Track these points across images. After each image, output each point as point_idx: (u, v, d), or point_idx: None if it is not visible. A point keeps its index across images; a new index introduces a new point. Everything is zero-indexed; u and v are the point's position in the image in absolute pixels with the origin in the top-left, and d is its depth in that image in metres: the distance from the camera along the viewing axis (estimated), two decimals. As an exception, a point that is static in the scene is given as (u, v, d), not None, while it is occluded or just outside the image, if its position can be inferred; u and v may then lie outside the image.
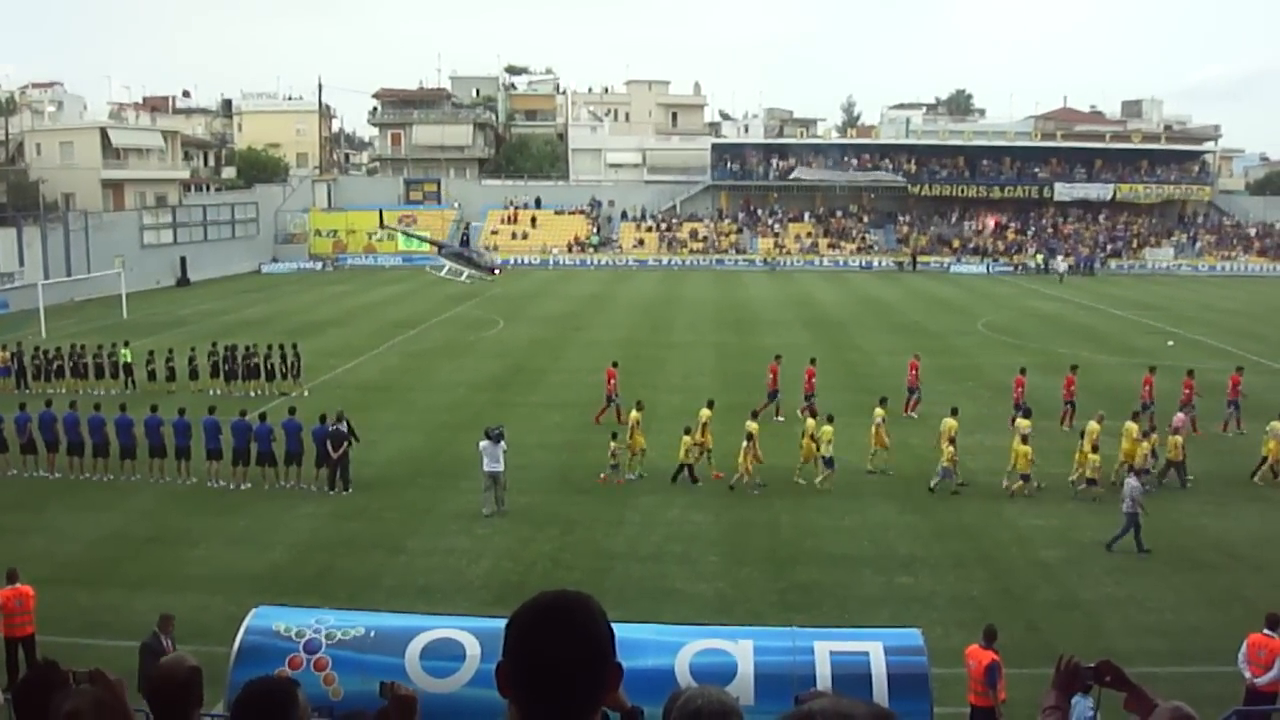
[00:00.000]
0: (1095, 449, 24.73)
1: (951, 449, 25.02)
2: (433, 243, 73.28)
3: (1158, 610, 18.56)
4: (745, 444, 24.95)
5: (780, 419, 30.95)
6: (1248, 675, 14.18)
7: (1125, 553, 21.14)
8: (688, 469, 25.49)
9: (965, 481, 25.29)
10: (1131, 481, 21.51)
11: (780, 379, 31.90)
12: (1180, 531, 22.60)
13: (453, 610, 15.10)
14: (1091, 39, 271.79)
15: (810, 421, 25.81)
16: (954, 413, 26.31)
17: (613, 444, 25.76)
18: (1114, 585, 19.62)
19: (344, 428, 24.98)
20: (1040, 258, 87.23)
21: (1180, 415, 27.75)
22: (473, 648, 10.13)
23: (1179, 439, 25.55)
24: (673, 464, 26.12)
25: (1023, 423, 25.99)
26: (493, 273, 65.92)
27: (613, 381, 31.60)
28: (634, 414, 26.36)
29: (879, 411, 26.92)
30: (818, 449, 25.23)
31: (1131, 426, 25.59)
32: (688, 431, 25.64)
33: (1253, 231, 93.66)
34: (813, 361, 33.37)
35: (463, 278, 64.94)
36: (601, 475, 25.69)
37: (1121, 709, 3.87)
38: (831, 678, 9.81)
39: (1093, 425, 25.48)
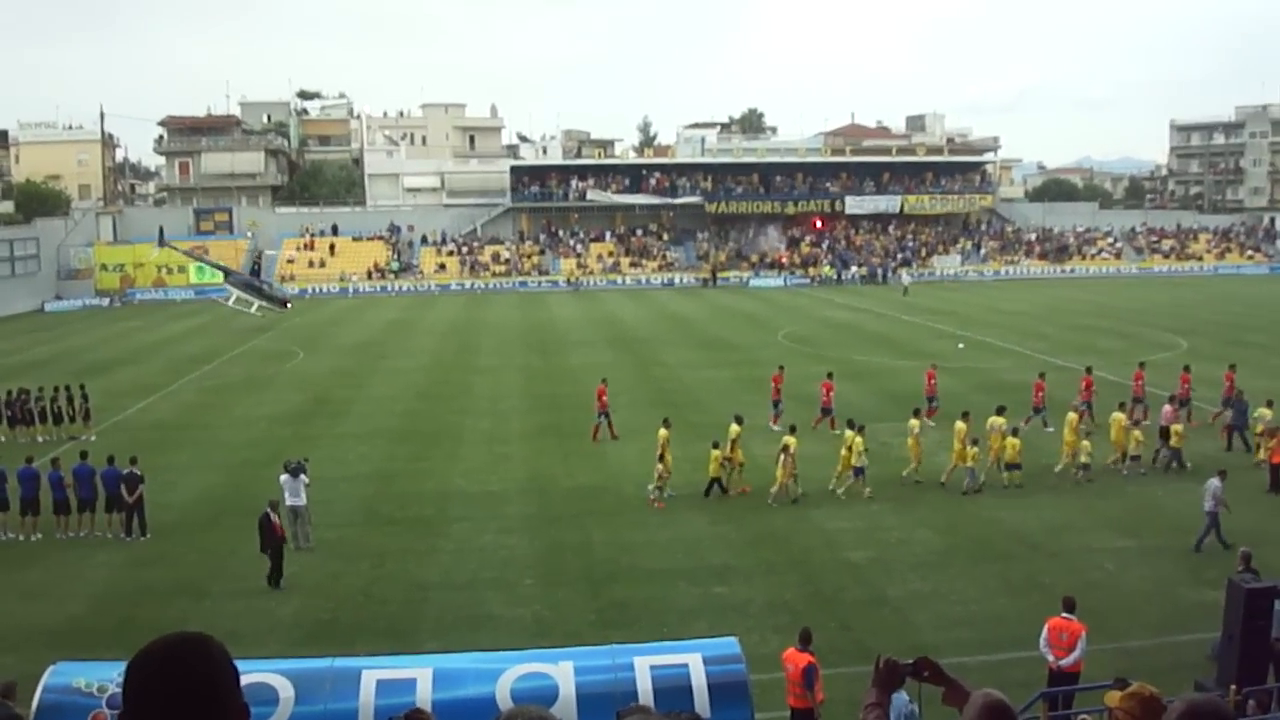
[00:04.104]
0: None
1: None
2: (220, 269, 70.16)
3: (962, 602, 19.18)
4: (781, 457, 25.06)
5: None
6: (1050, 658, 14.75)
7: (928, 549, 21.88)
8: (718, 482, 25.51)
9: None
10: (1215, 481, 21.95)
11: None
12: (979, 524, 23.52)
13: (264, 653, 14.50)
14: (876, 58, 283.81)
15: (849, 433, 25.85)
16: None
17: (659, 466, 25.43)
18: (920, 581, 20.21)
19: (138, 471, 23.74)
20: (831, 270, 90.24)
21: (1168, 407, 28.96)
22: (286, 690, 9.68)
23: (1179, 428, 27.75)
24: (484, 490, 25.89)
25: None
26: (285, 305, 63.93)
27: (604, 398, 31.66)
28: (662, 432, 26.01)
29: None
30: (851, 459, 25.46)
31: (1119, 416, 27.64)
32: (716, 446, 25.59)
33: (1032, 236, 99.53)
34: (830, 376, 33.80)
35: (253, 309, 62.73)
36: (650, 498, 25.41)
37: (941, 704, 3.90)
38: (653, 692, 9.74)
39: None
